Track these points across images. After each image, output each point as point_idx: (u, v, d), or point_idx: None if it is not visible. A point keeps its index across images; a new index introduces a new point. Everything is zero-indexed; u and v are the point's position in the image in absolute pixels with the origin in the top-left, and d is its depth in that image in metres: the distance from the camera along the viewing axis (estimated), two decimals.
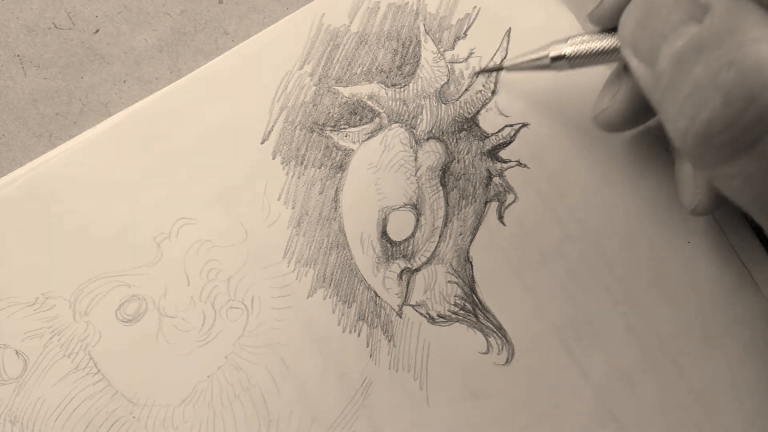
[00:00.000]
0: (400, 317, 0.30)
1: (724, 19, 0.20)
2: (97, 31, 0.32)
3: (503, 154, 0.31)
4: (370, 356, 0.29)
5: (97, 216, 0.30)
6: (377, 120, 0.31)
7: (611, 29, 0.26)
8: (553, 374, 0.29)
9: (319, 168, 0.31)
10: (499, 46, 0.31)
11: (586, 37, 0.26)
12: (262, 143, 0.31)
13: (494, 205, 0.30)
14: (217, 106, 0.31)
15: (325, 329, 0.29)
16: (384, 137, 0.31)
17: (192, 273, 0.30)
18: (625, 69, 0.27)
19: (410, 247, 0.30)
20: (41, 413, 0.29)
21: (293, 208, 0.30)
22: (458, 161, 0.31)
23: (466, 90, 0.31)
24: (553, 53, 0.26)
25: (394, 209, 0.30)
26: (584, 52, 0.26)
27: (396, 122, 0.31)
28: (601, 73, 0.28)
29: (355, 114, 0.31)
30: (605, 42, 0.25)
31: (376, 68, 0.31)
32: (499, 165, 0.31)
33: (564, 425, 0.29)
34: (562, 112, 0.30)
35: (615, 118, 0.27)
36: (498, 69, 0.29)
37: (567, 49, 0.26)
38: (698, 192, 0.26)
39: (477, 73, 0.31)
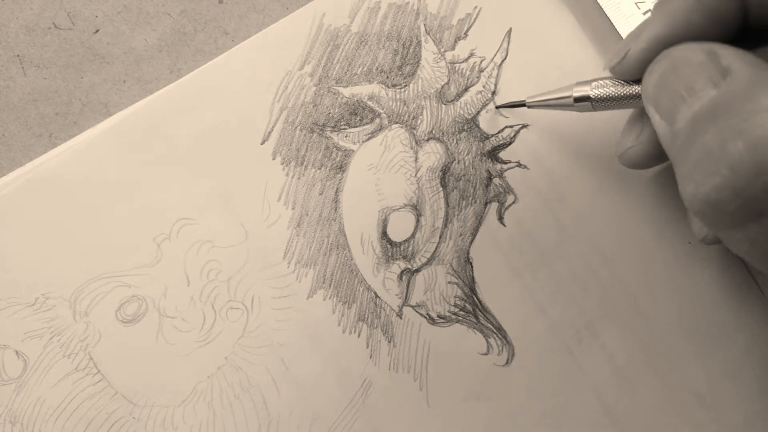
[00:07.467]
0: (400, 318, 0.30)
1: (741, 85, 0.20)
2: (97, 31, 0.32)
3: (503, 155, 0.31)
4: (370, 357, 0.29)
5: (97, 216, 0.30)
6: (377, 120, 0.31)
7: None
8: (553, 374, 0.29)
9: (320, 168, 0.30)
10: (500, 47, 0.31)
11: (610, 81, 0.26)
12: (262, 144, 0.31)
13: (494, 205, 0.30)
14: (217, 106, 0.31)
15: (325, 330, 0.29)
16: (384, 138, 0.31)
17: (192, 273, 0.30)
18: None
19: (410, 248, 0.30)
20: (41, 413, 0.29)
21: (293, 208, 0.30)
22: (458, 162, 0.31)
23: (465, 90, 0.31)
24: (577, 94, 0.26)
25: (394, 210, 0.30)
26: (608, 95, 0.26)
27: (396, 123, 0.31)
28: None
29: (356, 114, 0.31)
30: (630, 88, 0.25)
31: (377, 68, 0.31)
32: (499, 166, 0.31)
33: (564, 425, 0.29)
34: (561, 113, 0.30)
35: (640, 157, 0.27)
36: (519, 105, 0.29)
37: (591, 92, 0.26)
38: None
39: (498, 107, 0.31)
